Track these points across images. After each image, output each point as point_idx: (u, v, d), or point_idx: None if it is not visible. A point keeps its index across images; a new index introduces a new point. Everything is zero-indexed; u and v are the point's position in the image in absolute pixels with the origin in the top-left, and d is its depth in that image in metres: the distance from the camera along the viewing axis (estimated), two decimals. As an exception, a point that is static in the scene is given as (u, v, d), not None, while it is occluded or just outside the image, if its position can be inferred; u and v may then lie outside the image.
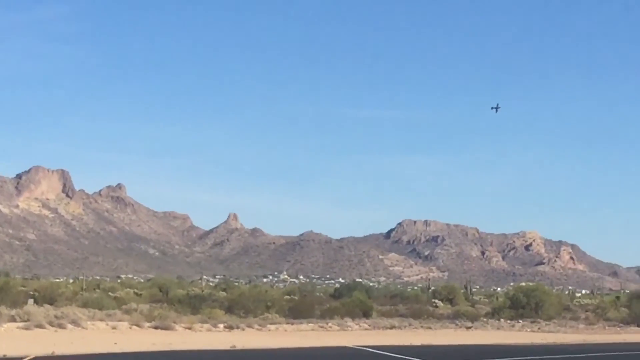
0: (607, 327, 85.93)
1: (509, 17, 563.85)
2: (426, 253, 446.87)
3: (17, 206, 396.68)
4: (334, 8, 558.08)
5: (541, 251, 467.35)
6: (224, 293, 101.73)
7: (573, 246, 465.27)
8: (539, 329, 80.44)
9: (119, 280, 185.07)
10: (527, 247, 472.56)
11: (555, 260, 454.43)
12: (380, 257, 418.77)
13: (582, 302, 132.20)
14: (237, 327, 65.07)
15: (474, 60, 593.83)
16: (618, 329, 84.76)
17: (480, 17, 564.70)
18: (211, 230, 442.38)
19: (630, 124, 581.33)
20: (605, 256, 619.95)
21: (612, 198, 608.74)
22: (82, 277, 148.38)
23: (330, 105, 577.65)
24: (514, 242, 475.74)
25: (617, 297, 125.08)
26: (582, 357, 44.18)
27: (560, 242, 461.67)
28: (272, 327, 68.14)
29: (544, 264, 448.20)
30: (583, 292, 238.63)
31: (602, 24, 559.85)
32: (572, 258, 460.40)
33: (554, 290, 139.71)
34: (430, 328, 74.89)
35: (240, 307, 78.73)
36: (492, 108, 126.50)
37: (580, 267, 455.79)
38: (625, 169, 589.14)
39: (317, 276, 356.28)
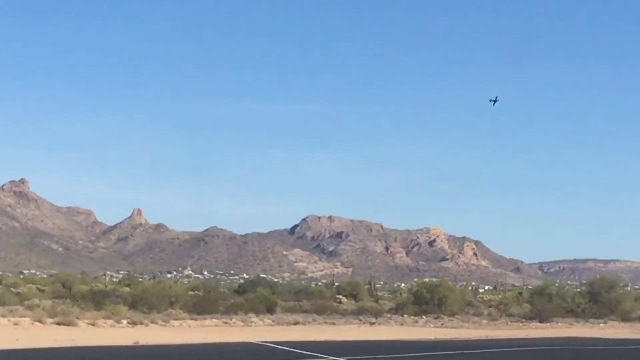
0: (509, 323, 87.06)
1: (407, 14, 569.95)
2: (330, 249, 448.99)
3: None
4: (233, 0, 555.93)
5: (445, 247, 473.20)
6: (127, 289, 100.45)
7: (476, 242, 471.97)
8: (442, 324, 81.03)
9: (21, 276, 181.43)
10: (430, 243, 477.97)
11: (458, 256, 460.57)
12: (285, 252, 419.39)
13: (485, 298, 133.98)
14: (141, 323, 64.13)
15: (375, 56, 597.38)
16: (520, 324, 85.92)
17: (379, 12, 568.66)
18: (115, 226, 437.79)
19: (533, 118, 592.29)
20: (508, 252, 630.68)
21: (515, 194, 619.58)
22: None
23: (235, 100, 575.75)
24: (417, 238, 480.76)
25: (520, 293, 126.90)
26: (484, 352, 44.52)
27: (463, 238, 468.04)
28: (176, 322, 67.43)
29: (447, 259, 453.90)
30: (486, 287, 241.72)
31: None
32: (475, 254, 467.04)
33: (457, 286, 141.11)
34: (334, 324, 74.84)
35: (144, 302, 77.72)
36: (490, 100, 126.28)
37: (484, 263, 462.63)
38: (528, 165, 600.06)
39: (221, 272, 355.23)
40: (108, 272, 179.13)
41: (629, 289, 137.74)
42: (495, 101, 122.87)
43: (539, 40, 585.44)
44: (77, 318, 62.36)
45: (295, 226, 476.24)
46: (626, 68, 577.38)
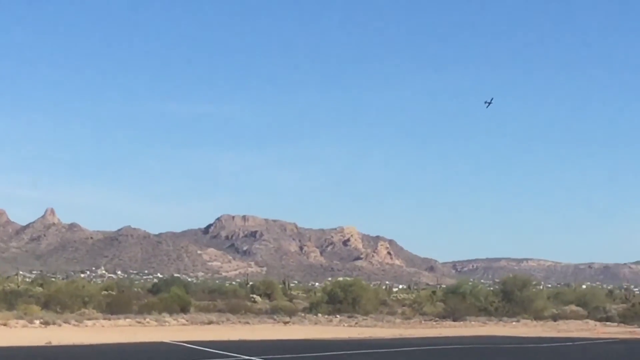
0: (423, 322, 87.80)
1: (313, 13, 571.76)
2: (244, 248, 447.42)
3: None
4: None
5: (359, 246, 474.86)
6: (40, 289, 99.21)
7: (390, 241, 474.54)
8: (356, 323, 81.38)
9: None
10: (345, 243, 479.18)
11: (372, 256, 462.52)
12: (199, 252, 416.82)
13: (399, 297, 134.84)
14: (54, 323, 63.41)
15: (288, 55, 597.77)
16: (434, 323, 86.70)
17: (290, 12, 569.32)
18: (28, 225, 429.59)
19: (444, 116, 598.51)
20: (422, 251, 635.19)
21: (429, 194, 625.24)
22: None
23: (149, 100, 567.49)
24: (332, 237, 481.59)
25: (434, 292, 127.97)
26: (398, 351, 44.75)
27: (377, 237, 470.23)
28: (89, 322, 66.77)
29: (361, 259, 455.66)
30: (400, 287, 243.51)
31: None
32: (389, 253, 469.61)
33: (371, 285, 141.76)
34: (248, 323, 74.80)
35: (57, 302, 76.85)
36: (485, 102, 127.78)
37: (398, 262, 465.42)
38: (442, 164, 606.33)
39: (135, 271, 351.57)
40: (21, 272, 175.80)
41: (541, 287, 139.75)
42: (489, 103, 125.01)
43: (455, 40, 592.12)
44: (-11, 319, 61.41)
45: (209, 225, 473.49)
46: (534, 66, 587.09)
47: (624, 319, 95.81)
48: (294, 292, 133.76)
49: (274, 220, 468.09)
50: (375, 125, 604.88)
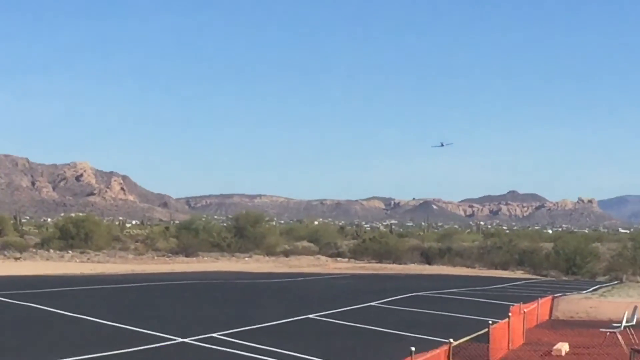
0: (156, 257, 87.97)
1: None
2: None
3: None
4: None
5: (92, 182, 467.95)
6: None
7: (124, 177, 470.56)
8: (88, 259, 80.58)
9: None
10: (77, 178, 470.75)
11: (106, 191, 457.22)
12: None
13: (132, 233, 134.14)
14: None
15: None
16: (167, 258, 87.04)
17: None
18: None
19: (163, 59, 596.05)
20: (156, 187, 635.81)
21: (162, 129, 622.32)
22: None
23: None
24: (64, 172, 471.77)
25: (167, 228, 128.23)
26: (129, 286, 44.63)
27: (111, 173, 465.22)
28: None
29: (94, 194, 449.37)
30: (133, 222, 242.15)
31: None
32: (123, 189, 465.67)
33: (104, 221, 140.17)
34: (-23, 259, 72.39)
35: None
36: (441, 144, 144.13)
37: (131, 197, 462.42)
38: (174, 100, 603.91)
39: None
40: None
41: (274, 223, 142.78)
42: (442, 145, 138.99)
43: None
44: None
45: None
46: None
47: (355, 254, 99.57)
48: (25, 228, 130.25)
49: (5, 155, 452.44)
50: (109, 59, 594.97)
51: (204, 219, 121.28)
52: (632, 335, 24.35)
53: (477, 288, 49.56)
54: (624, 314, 25.01)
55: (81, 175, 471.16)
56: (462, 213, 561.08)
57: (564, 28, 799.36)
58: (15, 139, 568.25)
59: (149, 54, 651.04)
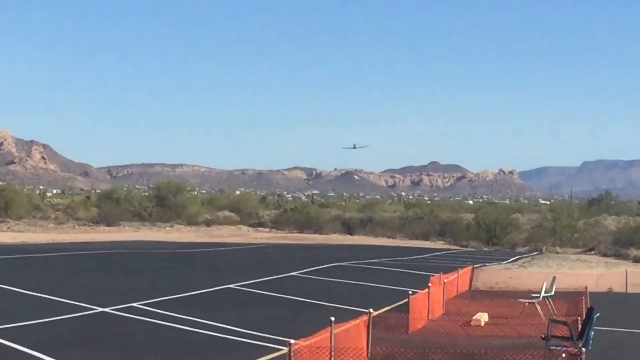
0: (77, 227, 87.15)
1: None
2: None
3: None
4: None
5: (12, 150, 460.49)
6: None
7: (45, 146, 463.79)
8: (8, 228, 79.52)
9: None
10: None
11: (26, 160, 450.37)
12: None
13: (52, 202, 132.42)
14: None
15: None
16: (88, 228, 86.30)
17: None
18: None
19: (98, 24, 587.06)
20: (77, 156, 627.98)
21: (83, 97, 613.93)
22: None
23: None
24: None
25: (88, 197, 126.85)
26: (49, 255, 44.09)
27: (32, 141, 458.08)
28: None
29: (15, 163, 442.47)
30: (54, 191, 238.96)
31: None
32: (43, 157, 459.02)
33: (24, 190, 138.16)
34: None
35: None
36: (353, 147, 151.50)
37: (52, 167, 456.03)
38: (95, 68, 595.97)
39: None
40: None
41: (195, 193, 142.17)
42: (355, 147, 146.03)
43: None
44: None
45: None
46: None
47: (276, 224, 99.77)
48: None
49: None
50: (30, 21, 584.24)
51: (125, 189, 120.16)
52: (551, 305, 24.70)
53: (397, 258, 49.97)
54: (543, 284, 25.38)
55: (1, 143, 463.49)
56: (383, 184, 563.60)
57: None
58: None
59: (69, 17, 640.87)
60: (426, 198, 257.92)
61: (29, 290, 25.92)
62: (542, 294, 24.81)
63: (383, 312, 22.45)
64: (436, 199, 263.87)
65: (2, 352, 15.85)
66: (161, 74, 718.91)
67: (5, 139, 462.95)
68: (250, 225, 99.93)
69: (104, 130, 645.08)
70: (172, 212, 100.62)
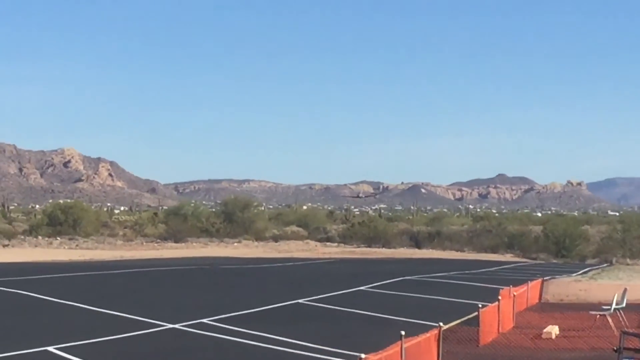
0: (145, 243, 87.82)
1: None
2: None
3: None
4: None
5: (80, 168, 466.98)
6: None
7: (112, 163, 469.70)
8: (77, 245, 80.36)
9: None
10: (65, 164, 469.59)
11: (94, 177, 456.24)
12: None
13: (120, 219, 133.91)
14: None
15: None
16: (155, 244, 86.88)
17: None
18: None
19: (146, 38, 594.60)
20: (144, 173, 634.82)
21: (149, 115, 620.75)
22: None
23: None
24: (52, 159, 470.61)
25: (155, 214, 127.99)
26: (118, 272, 44.49)
27: (99, 158, 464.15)
28: None
29: (82, 180, 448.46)
30: (122, 208, 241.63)
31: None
32: (110, 175, 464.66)
33: (92, 207, 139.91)
34: (-35, 247, 72.14)
35: None
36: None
37: (119, 184, 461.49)
38: (162, 84, 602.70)
39: None
40: None
41: (262, 208, 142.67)
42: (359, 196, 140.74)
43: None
44: None
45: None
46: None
47: (344, 239, 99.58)
48: (13, 215, 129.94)
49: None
50: (96, 44, 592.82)
51: (192, 205, 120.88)
52: (622, 317, 24.36)
53: (466, 272, 49.60)
54: (614, 296, 25.02)
55: (69, 161, 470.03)
56: (450, 197, 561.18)
57: (552, 7, 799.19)
58: (1, 126, 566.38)
59: (136, 39, 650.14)
60: (494, 211, 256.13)
61: (98, 307, 26.16)
62: (614, 306, 24.46)
63: (453, 326, 22.30)
64: (504, 211, 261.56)
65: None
66: (227, 89, 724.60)
67: (72, 157, 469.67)
68: (318, 240, 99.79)
69: (171, 147, 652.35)
70: (240, 227, 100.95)
